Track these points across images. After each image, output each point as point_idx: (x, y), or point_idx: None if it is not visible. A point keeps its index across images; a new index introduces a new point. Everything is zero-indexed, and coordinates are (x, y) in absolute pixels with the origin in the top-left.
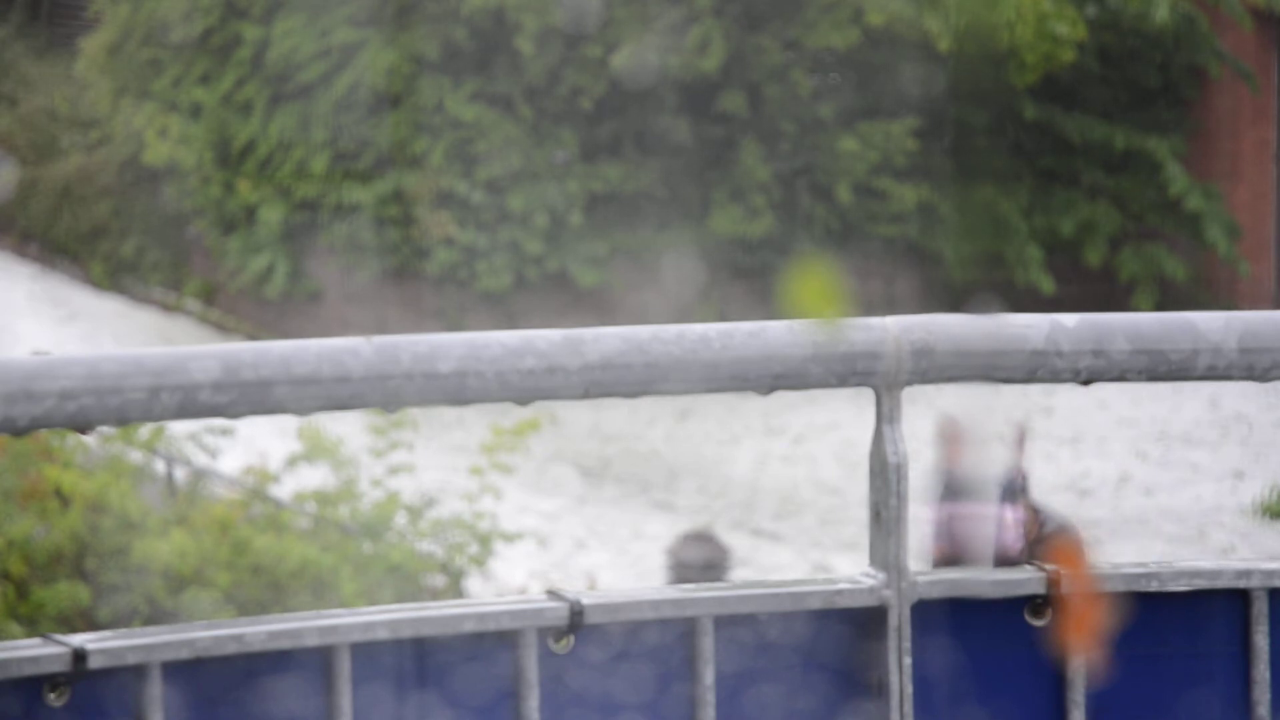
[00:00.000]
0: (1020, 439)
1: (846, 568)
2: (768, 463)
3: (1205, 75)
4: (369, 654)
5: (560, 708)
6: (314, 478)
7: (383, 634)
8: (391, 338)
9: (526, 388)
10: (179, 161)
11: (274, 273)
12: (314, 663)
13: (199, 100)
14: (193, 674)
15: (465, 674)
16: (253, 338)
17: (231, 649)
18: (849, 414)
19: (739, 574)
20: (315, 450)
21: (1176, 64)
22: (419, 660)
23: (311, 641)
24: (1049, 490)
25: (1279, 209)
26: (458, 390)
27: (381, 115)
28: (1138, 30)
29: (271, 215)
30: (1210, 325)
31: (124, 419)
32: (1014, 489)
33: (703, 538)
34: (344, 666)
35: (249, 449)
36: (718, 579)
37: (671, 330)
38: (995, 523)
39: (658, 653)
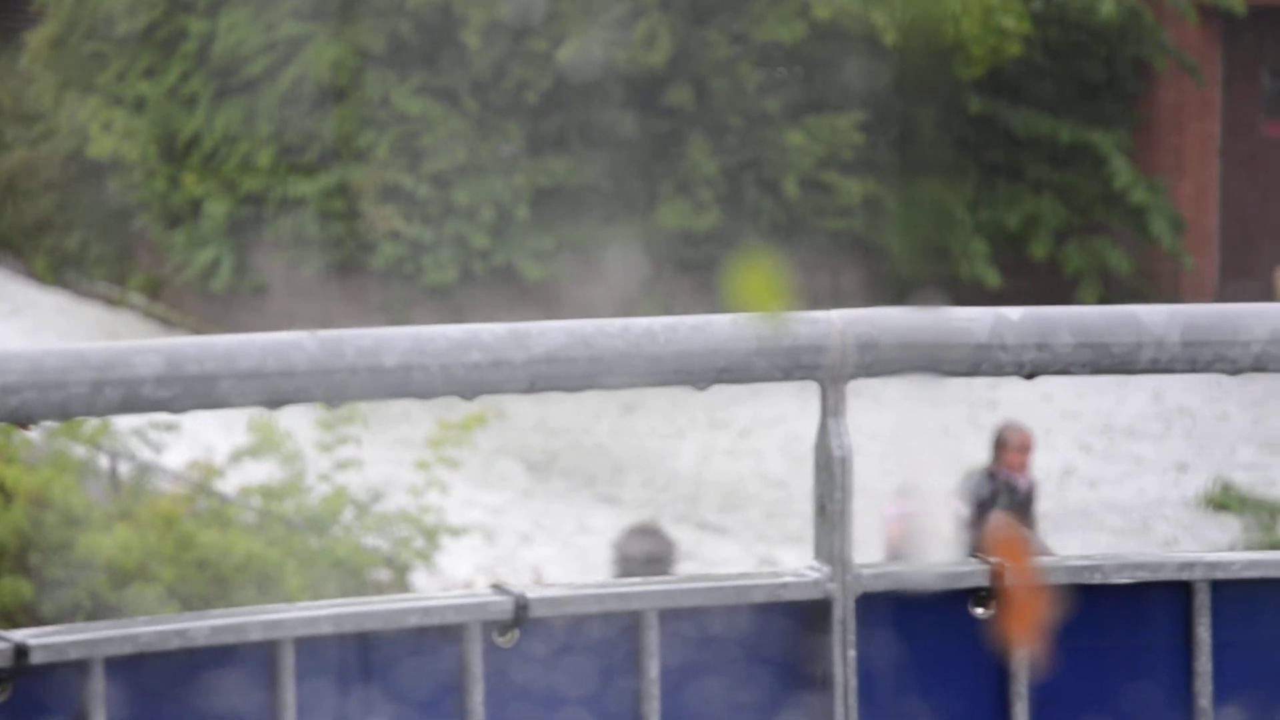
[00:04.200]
0: (1015, 443)
1: (792, 561)
2: (713, 456)
3: (1150, 69)
4: (313, 649)
5: (505, 702)
6: (260, 472)
7: (327, 629)
8: (336, 332)
9: (471, 382)
10: (123, 155)
11: (219, 267)
12: (258, 658)
13: (144, 94)
14: (136, 669)
15: (409, 668)
16: (198, 332)
17: (175, 644)
18: (794, 408)
19: (684, 568)
20: (263, 444)
21: (1122, 58)
22: (363, 655)
23: (255, 636)
24: None
25: (1222, 203)
26: (402, 384)
27: (327, 109)
28: (1083, 24)
29: (216, 209)
30: (1153, 318)
31: (67, 413)
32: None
33: (648, 531)
34: (288, 662)
35: (194, 443)
36: (663, 573)
37: (616, 324)
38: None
39: (602, 646)
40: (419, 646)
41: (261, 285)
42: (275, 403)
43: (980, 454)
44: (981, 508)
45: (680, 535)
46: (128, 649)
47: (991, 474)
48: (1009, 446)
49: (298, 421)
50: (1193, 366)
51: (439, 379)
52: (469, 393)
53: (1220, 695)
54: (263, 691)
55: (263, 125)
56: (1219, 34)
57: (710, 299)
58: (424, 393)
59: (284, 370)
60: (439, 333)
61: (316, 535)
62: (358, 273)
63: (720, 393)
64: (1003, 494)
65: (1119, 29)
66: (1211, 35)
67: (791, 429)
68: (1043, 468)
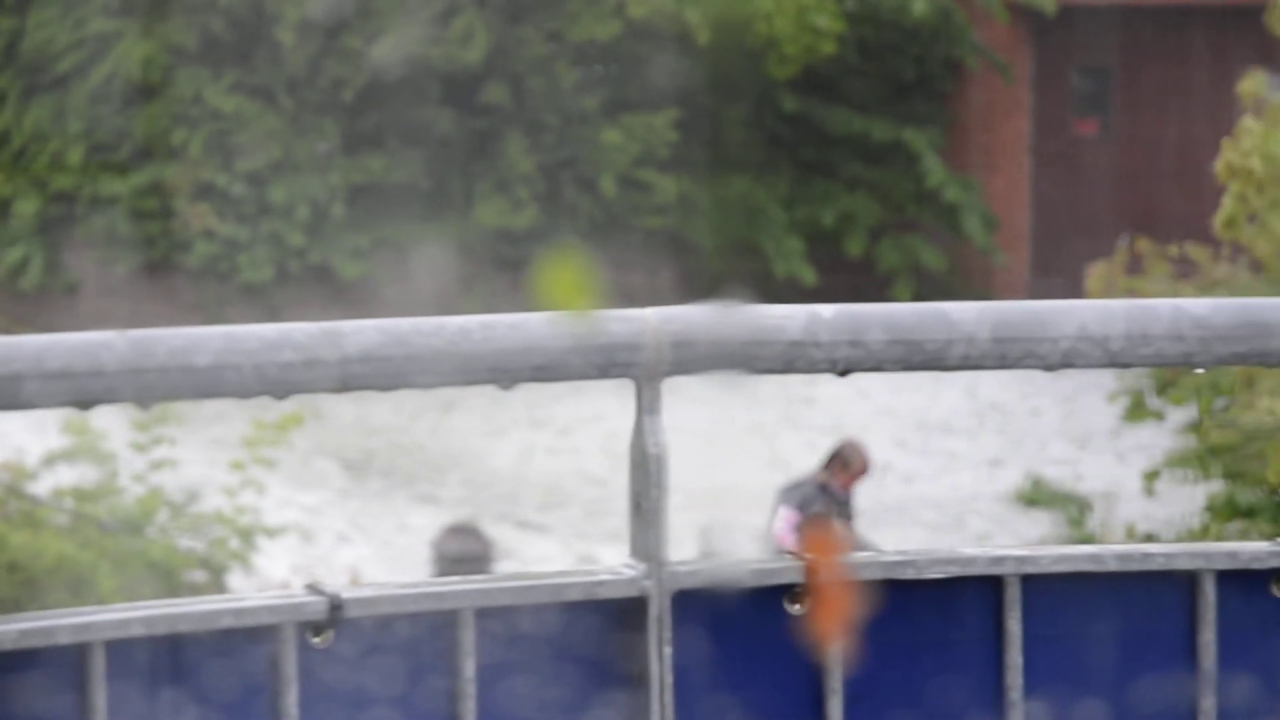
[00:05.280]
0: (857, 467)
1: (611, 559)
2: (533, 455)
3: (962, 68)
4: (124, 651)
5: (320, 703)
6: (73, 474)
7: (138, 631)
8: (147, 331)
9: (284, 381)
10: None
11: (29, 266)
12: (67, 661)
13: None
14: None
15: (223, 670)
16: (6, 332)
17: None
18: (614, 405)
19: (503, 566)
20: (78, 445)
21: (934, 57)
22: (176, 657)
23: (65, 639)
24: None
25: (1034, 200)
26: (214, 384)
27: (138, 107)
28: (896, 23)
29: (26, 208)
30: (964, 315)
31: None
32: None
33: (466, 530)
34: (98, 665)
35: (3, 445)
36: (481, 572)
37: (431, 322)
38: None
39: (418, 646)
40: (232, 648)
41: (73, 284)
42: (84, 403)
43: (796, 450)
44: (808, 515)
45: (499, 534)
46: None
47: (823, 486)
48: (850, 468)
49: (111, 422)
50: (1003, 363)
51: (252, 378)
52: (282, 392)
53: (1030, 688)
54: (72, 694)
55: (73, 123)
56: (1029, 33)
57: (529, 297)
58: (237, 392)
59: (93, 370)
60: (251, 332)
61: (130, 537)
62: (171, 272)
63: (540, 391)
64: (832, 506)
65: (931, 28)
66: (1022, 35)
67: (611, 427)
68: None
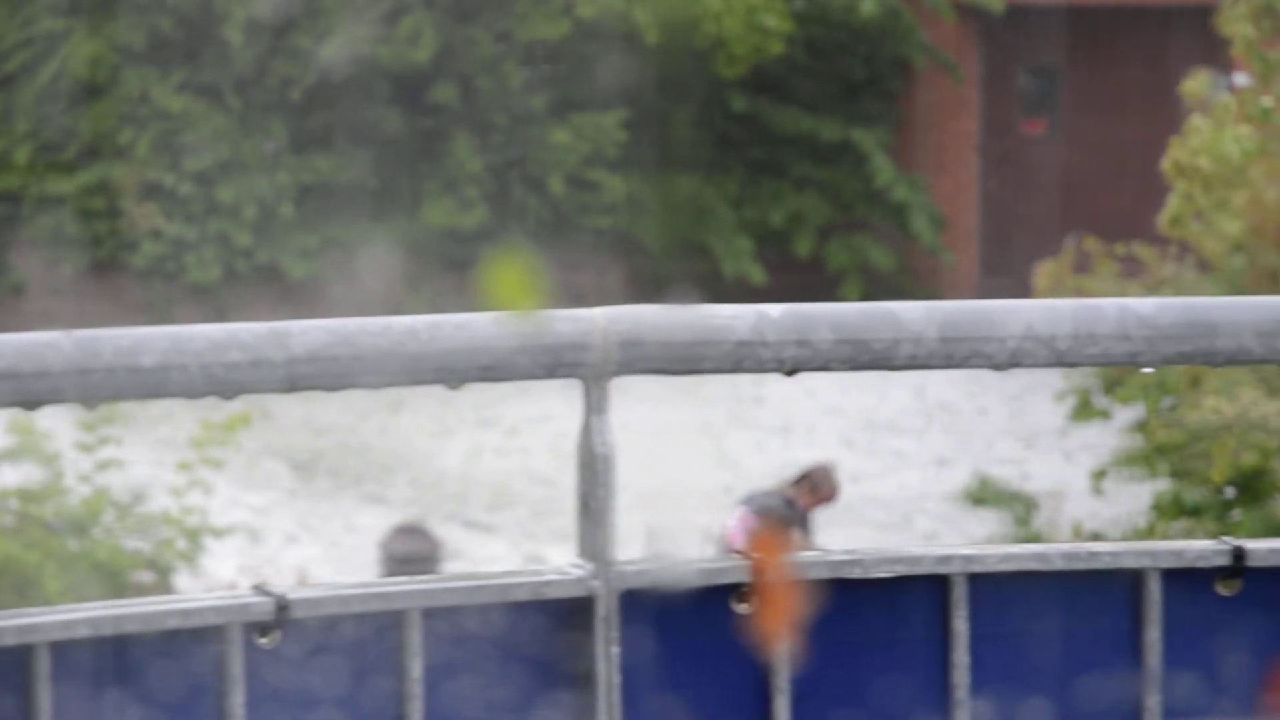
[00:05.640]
0: (825, 492)
1: (560, 559)
2: (481, 455)
3: (910, 68)
4: (70, 653)
5: (266, 704)
6: (18, 474)
7: (84, 632)
8: (93, 331)
9: (231, 381)
10: None
11: None
12: (11, 662)
13: None
14: None
15: (168, 671)
16: None
17: None
18: (562, 405)
19: (451, 566)
20: (23, 445)
21: (882, 57)
22: (122, 658)
23: (9, 641)
24: (758, 479)
25: (982, 200)
26: (161, 384)
27: (86, 106)
28: (844, 23)
29: None
30: (911, 315)
31: None
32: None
33: (414, 531)
34: (43, 666)
35: None
36: (429, 572)
37: (378, 322)
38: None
39: (365, 646)
40: (179, 649)
41: (19, 285)
42: (30, 404)
43: (745, 450)
44: (762, 518)
45: (447, 534)
46: None
47: (789, 501)
48: (818, 492)
49: (58, 422)
50: (950, 362)
51: (198, 379)
52: (229, 392)
53: (977, 687)
54: (16, 696)
55: (20, 122)
56: (977, 33)
57: (476, 297)
58: (183, 393)
59: (38, 371)
60: (198, 332)
61: (76, 537)
62: (118, 272)
63: (488, 391)
64: (792, 521)
65: (879, 28)
66: (970, 34)
67: (559, 427)
68: (808, 463)
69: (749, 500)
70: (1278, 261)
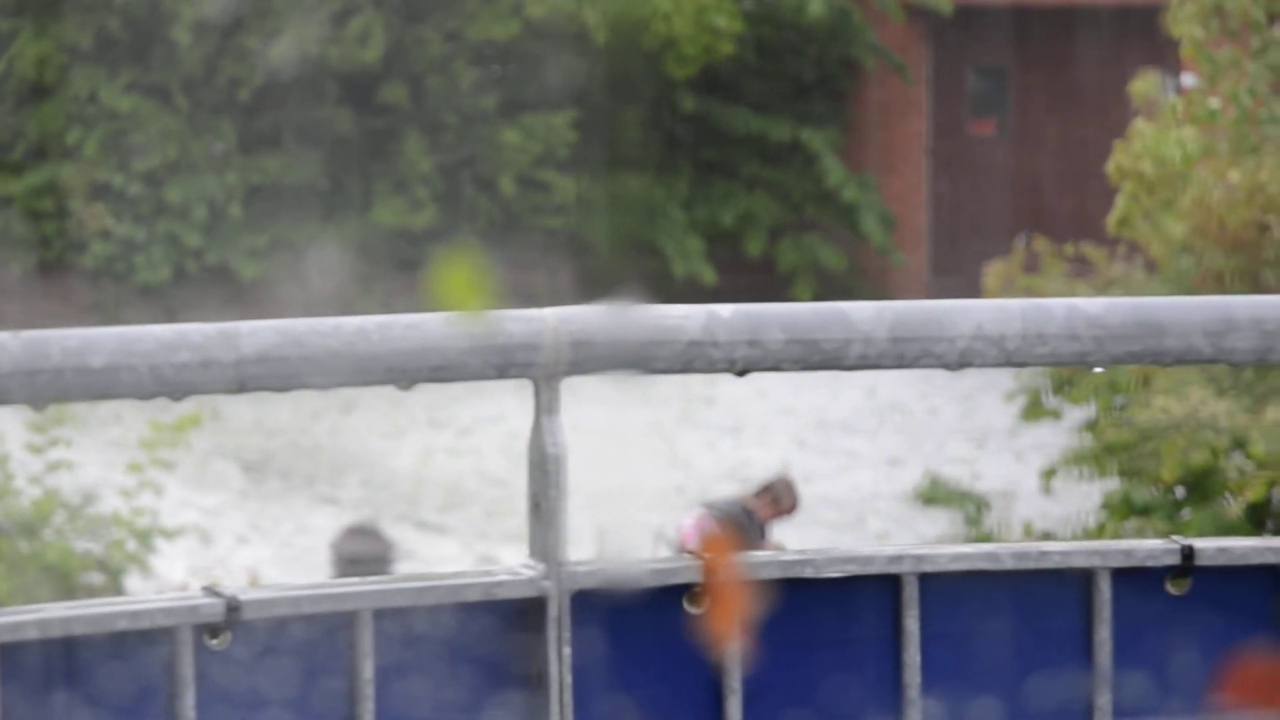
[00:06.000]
0: (785, 504)
1: (512, 560)
2: (433, 455)
3: (860, 68)
4: (17, 655)
5: (217, 705)
6: None
7: (32, 634)
8: (41, 332)
9: (180, 382)
10: None
11: None
12: None
13: None
14: None
15: (118, 673)
16: None
17: None
18: (514, 405)
19: (403, 567)
20: None
21: (832, 57)
22: (70, 660)
23: None
24: (710, 479)
25: (932, 200)
26: (110, 385)
27: (34, 106)
28: (794, 24)
29: None
30: (861, 315)
31: None
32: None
33: (366, 531)
34: None
35: None
36: (381, 573)
37: (329, 323)
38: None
39: (316, 647)
40: (129, 650)
41: None
42: None
43: (696, 450)
44: (718, 520)
45: (400, 535)
46: None
47: (748, 512)
48: (779, 504)
49: (7, 423)
50: (900, 362)
51: (147, 379)
52: (178, 393)
53: (928, 686)
54: None
55: None
56: (927, 34)
57: (427, 298)
58: (132, 393)
59: None
60: (147, 333)
61: (26, 539)
62: (67, 272)
63: (440, 391)
64: (751, 530)
65: (828, 29)
66: (919, 35)
67: (512, 427)
68: (760, 463)
69: (710, 505)
70: (1223, 262)
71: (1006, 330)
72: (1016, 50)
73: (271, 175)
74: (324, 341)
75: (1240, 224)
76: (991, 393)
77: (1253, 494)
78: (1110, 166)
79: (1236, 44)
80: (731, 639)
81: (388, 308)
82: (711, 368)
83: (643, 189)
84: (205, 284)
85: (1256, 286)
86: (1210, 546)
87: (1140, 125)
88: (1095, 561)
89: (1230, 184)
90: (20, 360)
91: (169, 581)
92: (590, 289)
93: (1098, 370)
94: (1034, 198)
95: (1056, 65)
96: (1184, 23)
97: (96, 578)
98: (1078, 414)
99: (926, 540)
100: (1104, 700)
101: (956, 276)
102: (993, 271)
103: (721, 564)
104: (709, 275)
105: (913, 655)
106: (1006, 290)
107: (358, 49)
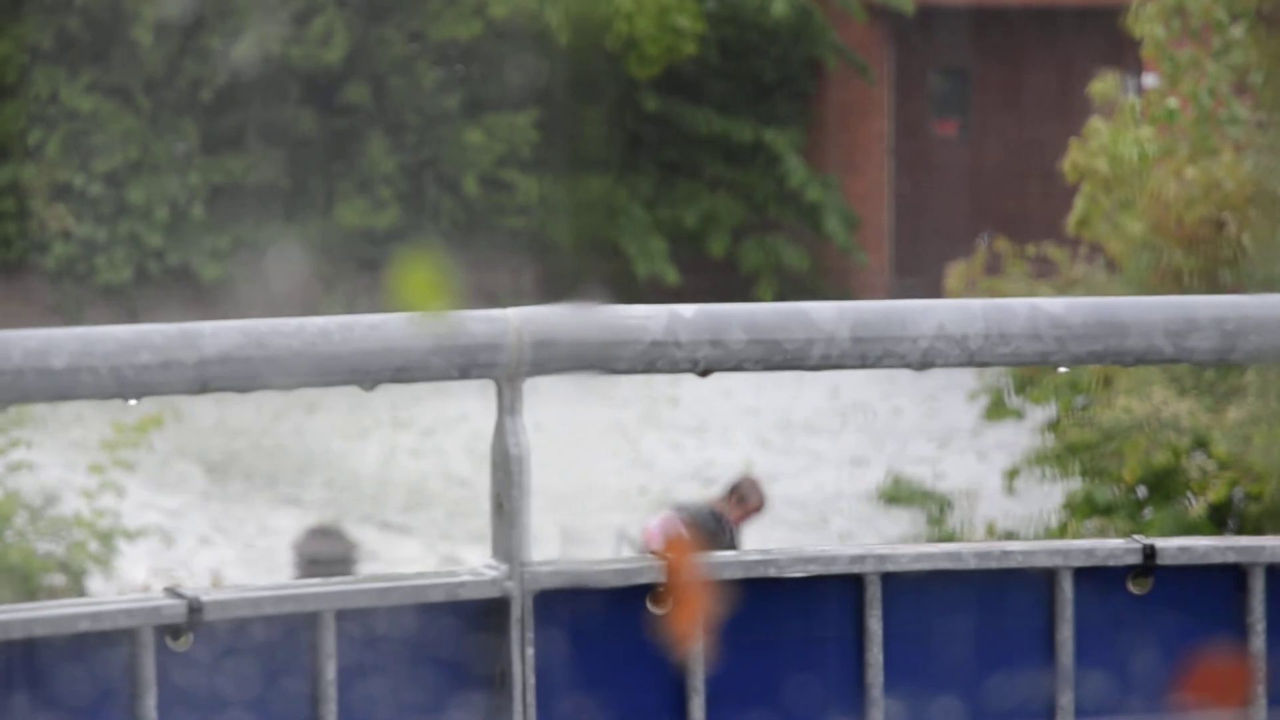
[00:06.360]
0: (752, 504)
1: (476, 560)
2: (396, 456)
3: (822, 69)
4: None
5: (179, 707)
6: None
7: None
8: (1, 333)
9: (142, 383)
10: None
11: None
12: None
13: None
14: None
15: (79, 674)
16: None
17: None
18: (478, 406)
19: (366, 568)
20: None
21: (794, 58)
22: (30, 662)
23: None
24: (673, 480)
25: (894, 200)
26: (71, 386)
27: None
28: (756, 24)
29: None
30: (823, 315)
31: None
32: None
33: (329, 532)
34: None
35: None
36: (344, 574)
37: (291, 323)
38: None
39: (278, 648)
40: (91, 652)
41: None
42: None
43: (659, 450)
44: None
45: (362, 536)
46: None
47: (717, 515)
48: (745, 503)
49: None
50: (863, 362)
51: (109, 380)
52: (139, 394)
53: (890, 685)
54: None
55: None
56: (889, 34)
57: (390, 298)
58: (94, 394)
59: None
60: (108, 333)
61: None
62: (28, 273)
63: (403, 391)
64: (719, 533)
65: (791, 29)
66: (881, 35)
67: (475, 427)
68: (723, 463)
69: (679, 508)
70: (1182, 260)
71: (969, 330)
72: (978, 51)
73: (234, 176)
74: (286, 342)
75: (1197, 221)
76: (954, 392)
77: (1214, 494)
78: (1066, 164)
79: (1198, 44)
80: (694, 639)
81: (350, 308)
82: (674, 368)
83: (605, 189)
84: (167, 285)
85: (1214, 285)
86: (1172, 546)
87: (1096, 123)
88: (1057, 561)
89: (1186, 180)
90: None
91: (131, 583)
92: (553, 289)
93: (1061, 370)
94: (996, 198)
95: (1019, 66)
96: (1146, 22)
97: (58, 579)
98: (1040, 414)
99: (889, 540)
100: (1066, 699)
101: (918, 276)
102: (954, 272)
103: (684, 564)
104: (672, 275)
105: (875, 655)
106: (968, 290)
107: (320, 49)
